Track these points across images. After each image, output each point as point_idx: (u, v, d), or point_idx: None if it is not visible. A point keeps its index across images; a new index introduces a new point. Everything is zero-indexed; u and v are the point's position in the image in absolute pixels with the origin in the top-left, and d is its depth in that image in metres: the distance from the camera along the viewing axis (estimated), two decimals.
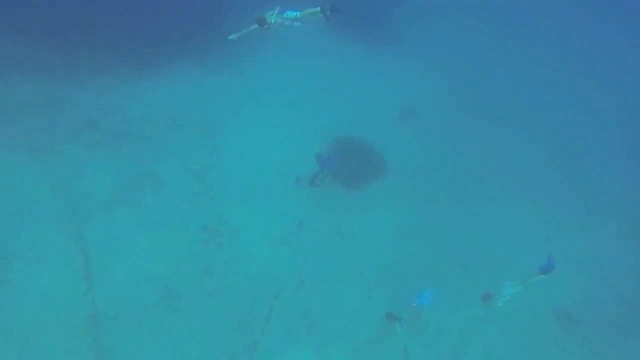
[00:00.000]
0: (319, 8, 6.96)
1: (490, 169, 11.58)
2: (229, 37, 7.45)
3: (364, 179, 10.48)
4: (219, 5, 12.68)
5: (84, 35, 10.56)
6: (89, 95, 9.74)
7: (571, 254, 10.24)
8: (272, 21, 7.22)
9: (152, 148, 9.47)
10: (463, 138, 12.02)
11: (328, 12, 6.98)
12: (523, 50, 15.36)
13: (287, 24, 7.34)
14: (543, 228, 10.67)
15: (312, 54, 12.68)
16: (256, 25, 7.23)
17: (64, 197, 8.54)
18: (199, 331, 7.86)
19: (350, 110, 11.72)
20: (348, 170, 10.40)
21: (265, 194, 9.69)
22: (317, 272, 9.00)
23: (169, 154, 9.51)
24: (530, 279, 8.14)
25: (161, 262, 8.33)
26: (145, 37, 11.17)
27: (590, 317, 9.48)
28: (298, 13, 7.20)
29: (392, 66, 13.21)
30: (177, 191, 9.14)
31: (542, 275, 7.99)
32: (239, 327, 8.08)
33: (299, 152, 10.21)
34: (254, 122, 10.69)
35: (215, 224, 9.05)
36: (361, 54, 13.33)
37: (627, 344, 9.33)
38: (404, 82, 12.87)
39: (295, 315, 8.44)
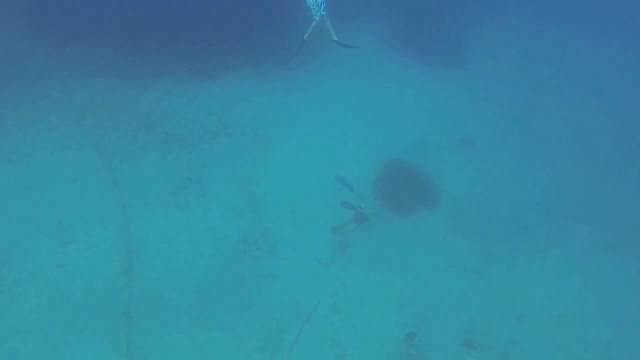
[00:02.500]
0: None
1: (558, 209, 10.37)
2: (304, 37, 9.05)
3: (414, 207, 9.85)
4: (281, 18, 12.96)
5: (153, 43, 11.25)
6: (150, 99, 10.26)
7: None
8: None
9: (202, 153, 9.66)
10: (528, 173, 10.94)
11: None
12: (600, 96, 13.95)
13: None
14: (619, 285, 9.26)
15: (374, 75, 12.41)
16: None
17: (119, 193, 8.96)
18: (224, 344, 7.70)
19: (408, 134, 11.22)
20: (398, 196, 9.84)
21: (309, 212, 9.43)
22: (354, 299, 8.51)
23: (217, 161, 9.63)
24: None
25: (197, 268, 8.35)
26: (206, 46, 11.63)
27: None
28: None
29: (457, 92, 12.52)
30: (221, 198, 9.18)
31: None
32: (264, 346, 7.80)
33: (349, 173, 9.87)
34: (305, 138, 10.55)
35: (255, 236, 8.94)
36: (425, 77, 12.81)
37: None
38: (467, 109, 12.11)
39: (325, 342, 8.01)
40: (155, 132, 9.72)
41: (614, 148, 12.10)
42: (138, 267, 8.21)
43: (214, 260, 8.51)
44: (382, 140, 10.87)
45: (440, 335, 8.09)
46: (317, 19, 9.76)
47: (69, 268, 8.00)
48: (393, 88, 12.21)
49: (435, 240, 9.42)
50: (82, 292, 7.79)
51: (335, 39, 9.88)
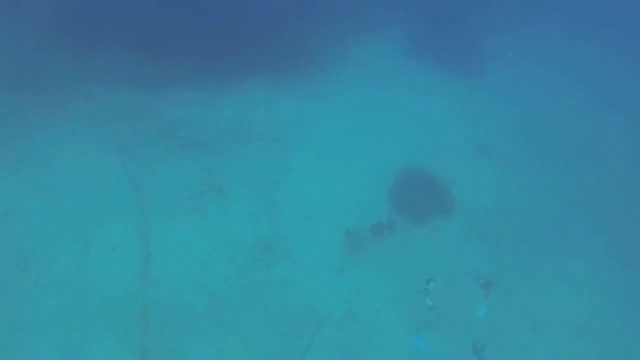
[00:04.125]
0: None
1: (575, 219, 10.28)
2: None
3: (429, 214, 9.87)
4: (303, 29, 13.19)
5: (174, 53, 11.57)
6: (171, 106, 10.52)
7: None
8: None
9: (220, 160, 9.84)
10: (544, 182, 10.88)
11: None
12: (613, 103, 13.85)
13: None
14: (636, 296, 9.11)
15: (392, 82, 12.53)
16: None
17: (138, 197, 9.14)
18: (239, 348, 7.72)
19: (425, 142, 11.27)
20: (414, 203, 9.87)
21: (324, 219, 9.50)
22: (367, 304, 8.49)
23: (235, 167, 9.79)
24: None
25: (214, 272, 8.44)
26: (225, 55, 11.90)
27: None
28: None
29: (474, 99, 12.57)
30: (238, 204, 9.31)
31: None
32: (278, 351, 7.81)
33: (365, 181, 9.97)
34: (322, 145, 10.68)
35: (272, 242, 9.03)
36: (441, 83, 12.91)
37: None
38: (484, 117, 12.13)
39: (338, 347, 7.98)
40: (175, 138, 9.94)
41: (632, 158, 12.00)
42: (156, 271, 8.32)
43: (230, 265, 8.59)
44: (399, 147, 10.94)
45: (451, 343, 8.02)
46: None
47: (88, 270, 8.16)
48: (410, 95, 12.33)
49: (449, 248, 9.39)
50: (100, 294, 7.93)
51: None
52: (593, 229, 10.11)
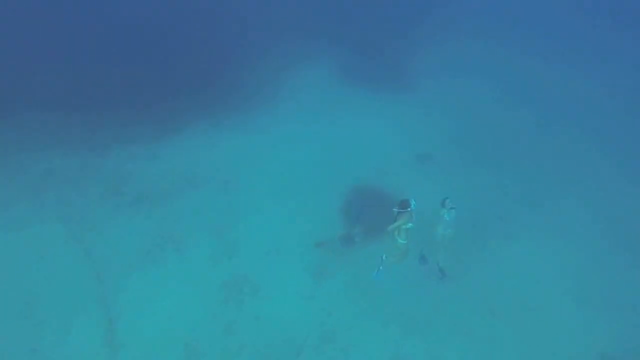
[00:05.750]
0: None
1: (514, 208, 11.32)
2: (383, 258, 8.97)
3: (384, 225, 10.38)
4: (237, 69, 13.64)
5: (107, 109, 11.49)
6: (112, 163, 10.38)
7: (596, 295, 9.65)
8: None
9: (173, 209, 9.80)
10: (481, 179, 11.89)
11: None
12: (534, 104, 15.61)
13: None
14: (571, 265, 10.17)
15: (330, 108, 13.19)
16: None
17: (90, 264, 8.83)
18: None
19: (370, 160, 11.90)
20: (369, 218, 10.38)
21: (286, 249, 9.71)
22: (340, 324, 8.73)
23: (189, 214, 9.80)
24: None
25: (184, 322, 8.30)
26: (163, 103, 12.00)
27: None
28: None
29: (409, 113, 13.51)
30: (197, 250, 9.29)
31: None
32: None
33: (319, 206, 10.35)
34: (272, 179, 10.96)
35: (237, 281, 9.07)
36: (377, 103, 13.77)
37: None
38: (420, 128, 13.07)
39: None
40: (122, 195, 9.78)
41: (547, 148, 13.50)
42: (122, 335, 8.03)
43: (199, 312, 8.50)
44: (347, 169, 11.48)
45: (428, 344, 8.46)
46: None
47: (44, 352, 7.63)
48: (349, 118, 13.04)
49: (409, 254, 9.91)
50: None
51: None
52: (531, 216, 11.16)
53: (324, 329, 8.62)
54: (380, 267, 9.08)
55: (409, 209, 8.18)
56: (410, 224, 8.29)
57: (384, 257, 9.02)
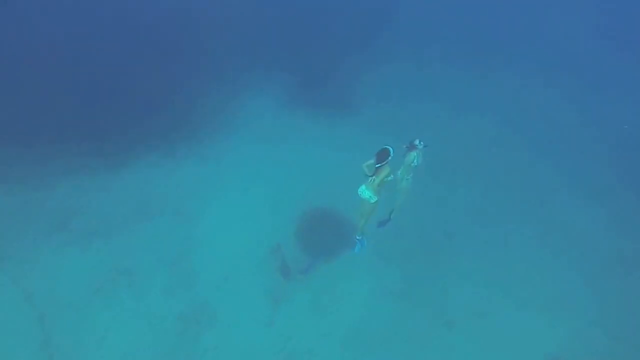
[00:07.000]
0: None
1: (460, 225, 11.93)
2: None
3: (340, 247, 10.65)
4: (186, 99, 13.71)
5: (51, 141, 11.12)
6: (58, 197, 10.00)
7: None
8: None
9: (125, 242, 9.55)
10: (430, 198, 12.44)
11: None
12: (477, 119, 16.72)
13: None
14: (518, 274, 10.86)
15: (280, 135, 13.46)
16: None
17: (33, 308, 8.36)
18: None
19: (320, 182, 12.15)
20: (321, 241, 10.59)
21: (243, 277, 9.68)
22: (302, 347, 8.78)
23: (142, 247, 9.58)
24: None
25: None
26: (113, 134, 11.79)
27: None
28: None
29: (356, 134, 13.96)
30: (151, 283, 9.07)
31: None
32: None
33: (273, 231, 10.46)
34: (225, 207, 10.98)
35: (193, 312, 8.92)
36: (328, 129, 14.17)
37: None
38: (368, 147, 13.49)
39: None
40: (69, 231, 9.42)
41: (500, 158, 14.42)
42: None
43: (154, 348, 8.27)
44: (300, 193, 11.66)
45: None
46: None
47: None
48: (299, 143, 13.34)
49: (362, 274, 10.20)
50: None
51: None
52: (477, 231, 11.82)
53: (283, 355, 8.62)
54: (363, 241, 8.88)
55: (389, 159, 7.60)
56: (391, 176, 7.82)
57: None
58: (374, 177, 7.70)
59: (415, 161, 8.94)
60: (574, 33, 24.12)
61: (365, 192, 7.90)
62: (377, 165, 7.57)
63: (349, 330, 9.15)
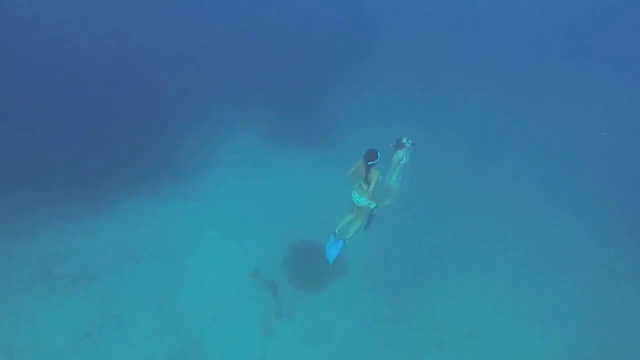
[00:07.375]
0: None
1: (446, 244, 12.14)
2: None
3: (328, 278, 10.71)
4: (168, 138, 13.91)
5: (33, 188, 11.10)
6: (44, 245, 9.92)
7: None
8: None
9: (112, 285, 9.46)
10: (414, 221, 12.70)
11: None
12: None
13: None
14: (506, 291, 11.03)
15: (263, 169, 13.70)
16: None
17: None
18: None
19: (306, 214, 12.31)
20: (309, 272, 10.65)
21: (233, 314, 9.64)
22: None
23: (129, 289, 9.49)
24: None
25: None
26: (96, 177, 11.84)
27: None
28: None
29: (340, 166, 14.21)
30: (140, 325, 8.95)
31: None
32: None
33: (261, 265, 10.52)
34: (213, 245, 11.03)
35: (184, 352, 8.80)
36: (309, 162, 14.48)
37: None
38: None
39: None
40: (55, 278, 9.30)
41: (469, 176, 14.81)
42: None
43: None
44: (284, 226, 11.80)
45: None
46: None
47: None
48: (283, 177, 13.59)
49: (352, 303, 10.25)
50: None
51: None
52: (463, 250, 12.05)
53: None
54: (340, 243, 8.79)
55: (377, 160, 7.67)
56: (380, 177, 7.87)
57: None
58: (367, 185, 7.89)
59: (403, 159, 8.96)
60: (540, 54, 25.48)
61: (361, 199, 8.11)
62: (369, 163, 7.64)
63: (340, 357, 9.11)
